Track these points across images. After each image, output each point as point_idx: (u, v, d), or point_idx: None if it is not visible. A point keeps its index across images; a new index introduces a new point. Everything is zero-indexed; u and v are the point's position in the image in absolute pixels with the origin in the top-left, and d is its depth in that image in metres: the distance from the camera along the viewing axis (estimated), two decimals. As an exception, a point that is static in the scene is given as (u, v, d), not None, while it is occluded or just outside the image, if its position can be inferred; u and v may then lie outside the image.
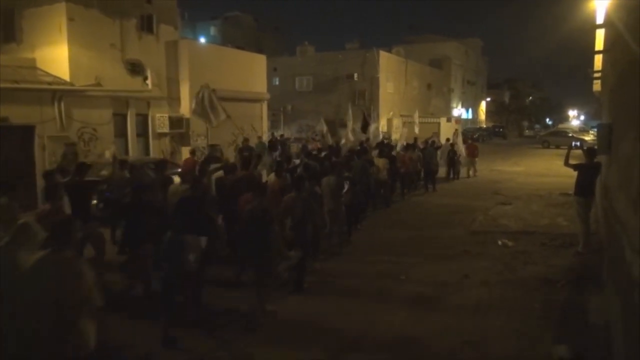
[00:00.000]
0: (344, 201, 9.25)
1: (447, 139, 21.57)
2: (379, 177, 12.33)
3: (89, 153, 14.36)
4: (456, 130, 26.64)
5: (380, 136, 25.25)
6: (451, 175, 19.07)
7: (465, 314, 6.34)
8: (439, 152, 17.91)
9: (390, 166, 13.13)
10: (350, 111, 18.11)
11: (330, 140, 16.61)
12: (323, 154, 13.62)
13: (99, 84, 14.57)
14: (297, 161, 12.12)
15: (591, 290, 7.00)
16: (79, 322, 3.60)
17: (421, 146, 17.35)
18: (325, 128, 17.67)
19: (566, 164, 9.39)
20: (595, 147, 8.40)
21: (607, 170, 7.90)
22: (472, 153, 20.44)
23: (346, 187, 9.42)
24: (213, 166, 9.09)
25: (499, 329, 5.88)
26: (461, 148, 20.61)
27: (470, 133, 37.51)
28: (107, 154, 14.62)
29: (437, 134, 24.57)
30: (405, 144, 17.68)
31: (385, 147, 15.10)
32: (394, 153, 14.71)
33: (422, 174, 16.42)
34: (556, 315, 6.31)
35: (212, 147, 14.90)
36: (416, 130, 23.20)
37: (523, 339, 5.63)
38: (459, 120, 44.43)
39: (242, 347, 5.51)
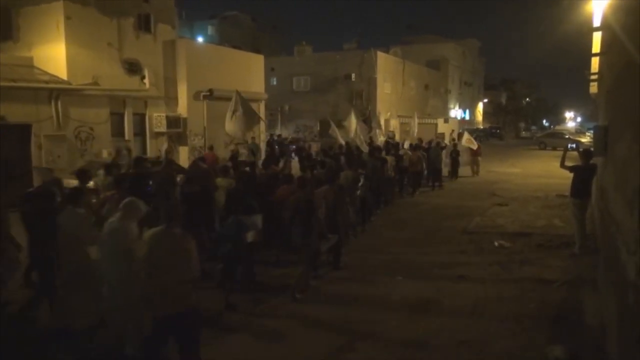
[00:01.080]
0: (359, 194, 10.07)
1: (452, 139, 22.22)
2: (388, 175, 13.10)
3: (86, 152, 14.32)
4: (453, 130, 26.95)
5: (384, 136, 25.48)
6: (454, 175, 19.72)
7: (462, 314, 6.37)
8: (443, 152, 18.71)
9: (397, 164, 13.90)
10: (353, 116, 18.09)
11: (341, 140, 17.03)
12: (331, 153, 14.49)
13: (96, 83, 14.52)
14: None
15: (587, 291, 7.03)
16: (187, 280, 4.43)
17: (426, 146, 18.00)
18: (336, 130, 18.03)
19: (562, 165, 9.53)
20: (591, 148, 8.50)
21: (603, 171, 7.95)
22: (476, 152, 21.25)
23: (362, 181, 10.27)
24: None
25: (495, 329, 5.90)
26: (474, 144, 21.04)
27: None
28: (105, 153, 14.62)
29: (443, 134, 25.03)
30: (410, 143, 18.65)
31: (392, 146, 16.18)
32: (401, 152, 15.48)
33: (426, 173, 16.99)
34: (552, 315, 6.33)
35: (251, 144, 16.41)
36: (415, 130, 23.52)
37: (519, 339, 5.65)
38: (463, 121, 45.24)
39: (289, 309, 6.63)
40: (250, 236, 6.68)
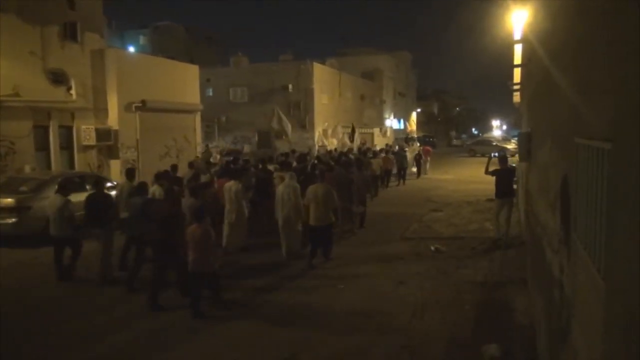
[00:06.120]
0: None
1: (419, 145, 27.34)
2: (375, 173, 17.26)
3: (7, 168, 13.36)
4: (393, 141, 29.84)
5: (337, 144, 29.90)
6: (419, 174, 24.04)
7: (403, 320, 6.48)
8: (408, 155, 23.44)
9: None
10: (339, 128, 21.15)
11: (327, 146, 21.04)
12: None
13: (17, 94, 13.63)
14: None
15: (517, 291, 7.39)
16: (329, 209, 9.05)
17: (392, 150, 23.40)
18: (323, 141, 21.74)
19: (486, 172, 10.76)
20: (506, 154, 11.09)
21: (528, 176, 8.42)
22: (426, 155, 25.20)
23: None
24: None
25: (434, 332, 6.06)
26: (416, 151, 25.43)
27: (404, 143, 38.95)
28: (27, 169, 13.71)
29: (404, 141, 30.88)
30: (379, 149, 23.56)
31: (377, 152, 21.26)
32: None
33: (395, 171, 21.33)
34: (487, 316, 6.59)
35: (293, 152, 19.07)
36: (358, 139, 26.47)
37: (457, 340, 5.84)
38: (410, 127, 49.27)
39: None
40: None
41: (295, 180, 9.64)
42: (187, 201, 8.47)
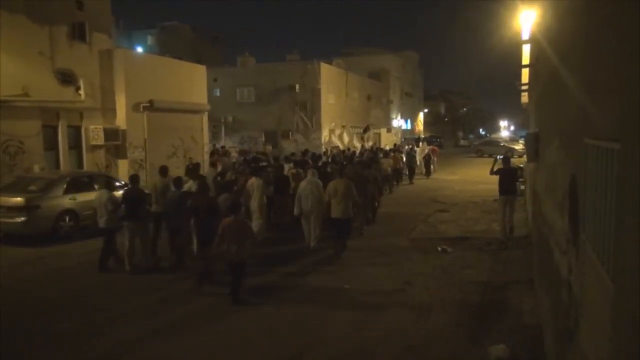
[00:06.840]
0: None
1: (427, 145, 28.25)
2: (386, 172, 17.89)
3: (15, 167, 13.47)
4: (401, 141, 30.81)
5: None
6: (428, 173, 24.67)
7: (408, 319, 6.48)
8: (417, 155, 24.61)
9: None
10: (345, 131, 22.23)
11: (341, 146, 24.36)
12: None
13: (26, 94, 13.74)
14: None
15: (524, 291, 7.36)
16: (349, 202, 9.64)
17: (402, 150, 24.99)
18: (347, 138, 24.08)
19: (491, 173, 11.39)
20: (508, 154, 12.01)
21: (535, 176, 8.40)
22: (433, 155, 25.97)
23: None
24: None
25: (439, 332, 6.05)
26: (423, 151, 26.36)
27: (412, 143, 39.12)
28: (36, 168, 13.83)
29: (414, 142, 31.52)
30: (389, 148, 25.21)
31: (389, 151, 22.54)
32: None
33: (406, 171, 22.52)
34: (492, 316, 6.57)
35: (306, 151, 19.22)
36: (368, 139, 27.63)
37: (462, 340, 5.82)
38: (417, 127, 50.56)
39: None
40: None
41: (317, 176, 10.32)
42: (220, 198, 9.07)
